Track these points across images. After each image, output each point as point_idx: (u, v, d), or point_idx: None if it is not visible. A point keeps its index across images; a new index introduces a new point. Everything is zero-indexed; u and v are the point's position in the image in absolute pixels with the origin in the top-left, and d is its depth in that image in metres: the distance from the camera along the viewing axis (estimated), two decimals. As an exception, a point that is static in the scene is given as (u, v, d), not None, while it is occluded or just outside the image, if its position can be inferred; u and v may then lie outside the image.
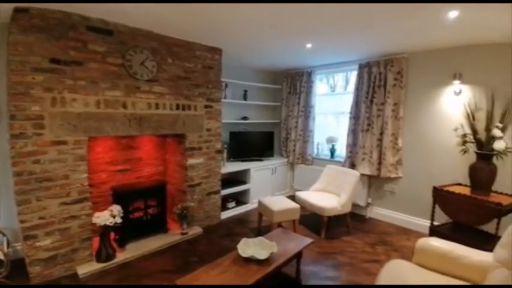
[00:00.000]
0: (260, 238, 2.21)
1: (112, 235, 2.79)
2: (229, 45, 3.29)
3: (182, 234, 3.16)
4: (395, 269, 1.84)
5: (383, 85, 3.63)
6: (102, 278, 2.40)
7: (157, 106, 2.92)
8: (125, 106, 2.68)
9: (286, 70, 4.85)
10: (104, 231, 2.58)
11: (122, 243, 2.86)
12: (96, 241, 2.63)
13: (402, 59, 3.47)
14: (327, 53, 3.69)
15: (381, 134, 3.66)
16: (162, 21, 2.53)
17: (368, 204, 3.94)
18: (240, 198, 4.29)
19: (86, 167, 2.49)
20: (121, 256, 2.68)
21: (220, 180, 3.68)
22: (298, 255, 2.26)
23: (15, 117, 2.07)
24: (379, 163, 3.69)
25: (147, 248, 2.87)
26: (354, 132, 3.98)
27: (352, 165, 4.00)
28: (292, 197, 3.68)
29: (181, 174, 3.36)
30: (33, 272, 2.24)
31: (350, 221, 3.47)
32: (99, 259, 2.56)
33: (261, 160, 4.50)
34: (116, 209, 2.68)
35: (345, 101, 4.28)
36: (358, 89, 3.90)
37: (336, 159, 4.34)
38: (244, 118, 4.56)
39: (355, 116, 3.96)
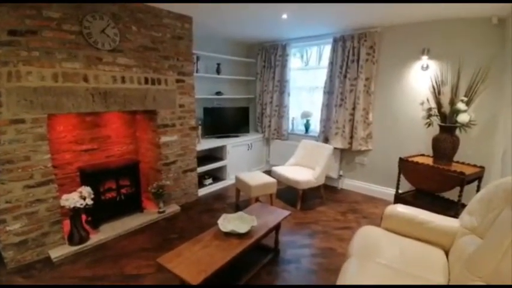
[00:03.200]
0: (240, 213, 2.24)
1: (84, 217, 2.67)
2: (200, 13, 3.07)
3: (159, 212, 3.11)
4: (367, 235, 1.98)
5: (356, 60, 3.67)
6: (77, 260, 2.32)
7: (123, 80, 2.70)
8: (86, 79, 2.44)
9: (261, 43, 4.70)
10: (74, 213, 2.46)
11: (96, 225, 2.76)
12: (67, 224, 2.51)
13: (375, 33, 3.51)
14: (303, 25, 3.60)
15: (353, 109, 3.77)
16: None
17: (340, 176, 4.15)
18: (216, 175, 4.28)
19: (48, 147, 2.28)
20: (95, 238, 2.60)
21: (196, 157, 3.61)
22: (276, 227, 2.34)
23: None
24: (351, 137, 3.84)
25: (123, 228, 2.80)
26: (327, 107, 4.05)
27: (326, 140, 4.12)
28: (269, 172, 3.74)
29: (154, 153, 3.24)
30: (7, 257, 2.14)
31: (323, 193, 3.64)
32: (71, 242, 2.46)
33: (237, 136, 4.47)
34: (86, 190, 2.54)
35: (319, 76, 4.31)
36: (332, 63, 3.92)
37: (311, 134, 4.44)
38: (218, 93, 4.42)
39: (329, 91, 4.01)
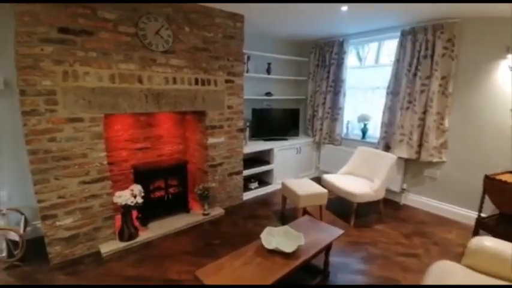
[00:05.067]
0: (285, 227, 2.02)
1: (134, 214, 2.75)
2: (253, 10, 2.92)
3: (204, 214, 3.08)
4: (444, 274, 1.58)
5: (430, 55, 3.12)
6: (124, 257, 2.38)
7: (174, 81, 2.71)
8: (140, 81, 2.49)
9: (315, 40, 4.38)
10: (125, 210, 2.53)
11: (145, 222, 2.83)
12: (118, 219, 2.60)
13: (454, 25, 2.92)
14: (366, 18, 3.19)
15: (424, 112, 3.22)
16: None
17: (403, 190, 3.61)
18: (263, 179, 4.13)
19: (104, 146, 2.38)
20: (144, 235, 2.65)
21: (242, 160, 3.50)
22: (327, 247, 2.06)
23: (26, 93, 1.95)
24: (420, 145, 3.29)
25: (170, 227, 2.82)
26: (390, 109, 3.55)
27: (387, 147, 3.63)
28: (318, 179, 3.44)
29: (202, 154, 3.21)
30: (52, 252, 2.24)
31: (382, 208, 3.19)
32: (121, 238, 2.54)
33: (285, 139, 4.24)
34: (137, 188, 2.60)
35: (378, 75, 3.84)
36: (399, 60, 3.41)
37: (368, 140, 3.97)
38: (268, 94, 4.25)
39: (393, 92, 3.51)
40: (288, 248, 1.79)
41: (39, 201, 2.10)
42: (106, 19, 2.23)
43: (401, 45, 3.36)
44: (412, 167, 3.51)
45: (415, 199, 3.54)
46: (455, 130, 3.12)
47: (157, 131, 3.24)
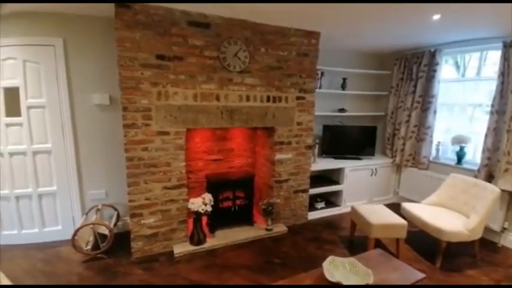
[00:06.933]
0: (352, 259, 1.84)
1: (204, 220, 2.97)
2: (330, 26, 2.85)
3: (267, 230, 3.08)
4: None
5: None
6: (192, 260, 2.57)
7: (248, 98, 2.85)
8: (218, 99, 2.72)
9: (400, 51, 3.97)
10: (197, 216, 2.75)
11: (212, 230, 3.01)
12: (190, 224, 2.85)
13: None
14: (460, 27, 2.75)
15: (548, 137, 2.52)
16: (258, 9, 2.38)
17: (503, 230, 2.87)
18: (330, 199, 3.90)
19: (184, 156, 2.67)
20: (210, 242, 2.82)
21: (309, 177, 3.39)
22: (402, 292, 1.78)
23: (127, 109, 2.37)
24: (539, 179, 2.57)
25: (234, 238, 2.92)
26: (495, 132, 2.91)
27: (490, 177, 2.97)
28: (396, 206, 3.04)
29: (268, 169, 3.26)
30: (135, 247, 2.59)
31: (478, 250, 2.61)
32: (192, 241, 2.77)
33: (358, 159, 3.93)
34: (208, 197, 2.80)
35: (481, 89, 3.25)
36: (503, 73, 2.79)
37: (465, 166, 3.32)
38: (341, 110, 4.05)
39: (498, 110, 2.88)
40: (354, 284, 1.61)
41: (130, 201, 2.49)
42: (195, 46, 2.53)
43: (505, 58, 2.75)
44: (523, 204, 2.76)
45: (523, 244, 2.76)
46: None
47: (230, 144, 3.45)
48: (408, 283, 1.74)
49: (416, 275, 1.82)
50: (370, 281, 1.63)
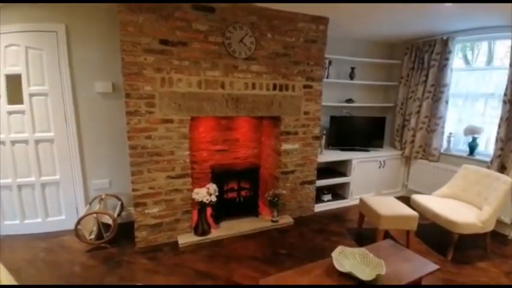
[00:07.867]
0: (362, 250, 1.77)
1: (209, 211, 2.92)
2: (339, 11, 2.74)
3: (272, 221, 3.03)
4: None
5: None
6: (197, 251, 2.53)
7: (253, 86, 2.77)
8: (223, 86, 2.64)
9: (410, 40, 3.84)
10: (201, 207, 2.70)
11: (217, 220, 2.96)
12: (195, 214, 2.80)
13: None
14: (470, 15, 2.63)
15: None
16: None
17: None
18: (337, 192, 3.83)
19: (188, 145, 2.61)
20: (215, 233, 2.77)
21: (316, 169, 3.32)
22: (415, 284, 1.71)
23: (130, 96, 2.30)
24: (558, 170, 2.46)
25: (239, 229, 2.87)
26: (508, 121, 2.80)
27: (502, 168, 2.88)
28: (405, 199, 2.96)
29: (274, 159, 3.19)
30: (139, 236, 2.55)
31: (489, 243, 2.54)
32: (196, 232, 2.72)
33: (366, 150, 3.83)
34: (212, 187, 2.75)
35: (492, 79, 3.15)
36: (521, 61, 2.67)
37: (477, 157, 3.21)
38: (349, 101, 3.94)
39: (510, 100, 2.76)
40: (365, 276, 1.55)
41: (133, 190, 2.44)
42: (199, 30, 2.45)
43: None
44: (543, 197, 2.66)
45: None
46: None
47: (235, 134, 3.38)
48: (421, 274, 1.67)
49: (429, 266, 1.75)
50: (383, 271, 1.56)
